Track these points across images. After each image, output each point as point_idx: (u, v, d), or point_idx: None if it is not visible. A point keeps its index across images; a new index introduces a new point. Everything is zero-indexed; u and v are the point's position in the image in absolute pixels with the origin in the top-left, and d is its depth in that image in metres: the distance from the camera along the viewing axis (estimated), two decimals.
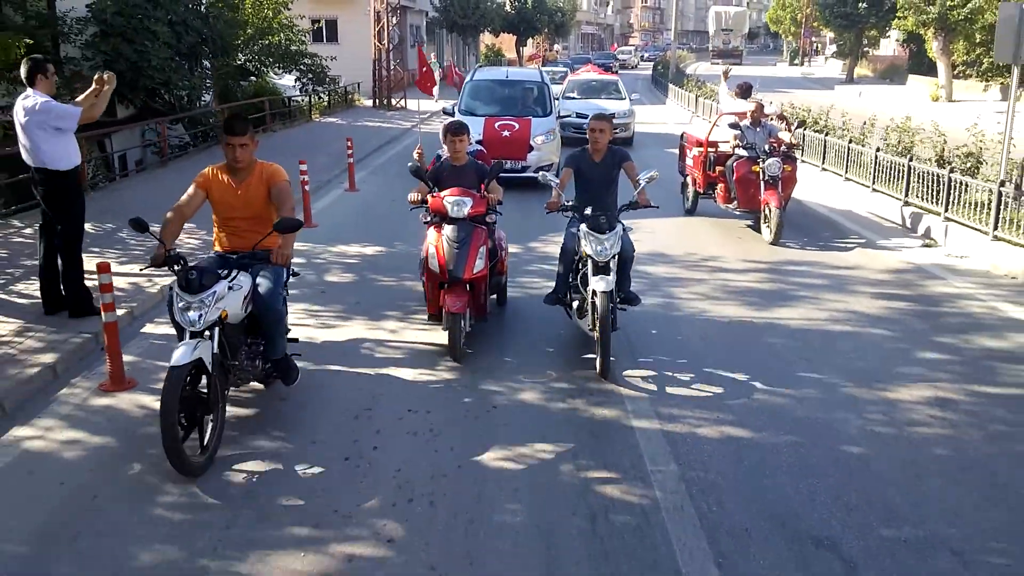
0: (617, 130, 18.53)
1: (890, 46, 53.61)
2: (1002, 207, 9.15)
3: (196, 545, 3.91)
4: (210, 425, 4.64)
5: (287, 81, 26.06)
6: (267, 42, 22.75)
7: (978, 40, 32.23)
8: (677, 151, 12.64)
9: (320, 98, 26.73)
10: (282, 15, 23.33)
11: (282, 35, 23.35)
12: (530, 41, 62.31)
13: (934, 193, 10.54)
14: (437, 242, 6.04)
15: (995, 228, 9.19)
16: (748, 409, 5.45)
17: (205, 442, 4.60)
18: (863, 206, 12.23)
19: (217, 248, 5.35)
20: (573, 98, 20.83)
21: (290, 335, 5.54)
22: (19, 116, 6.49)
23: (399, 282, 8.12)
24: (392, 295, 7.75)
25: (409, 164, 6.59)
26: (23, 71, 6.51)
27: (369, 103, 30.30)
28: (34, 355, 6.03)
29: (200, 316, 4.52)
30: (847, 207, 12.38)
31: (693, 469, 4.63)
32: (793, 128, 11.20)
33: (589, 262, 5.99)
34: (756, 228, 10.45)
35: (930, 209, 10.63)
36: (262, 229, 5.03)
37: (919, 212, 10.86)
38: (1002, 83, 33.56)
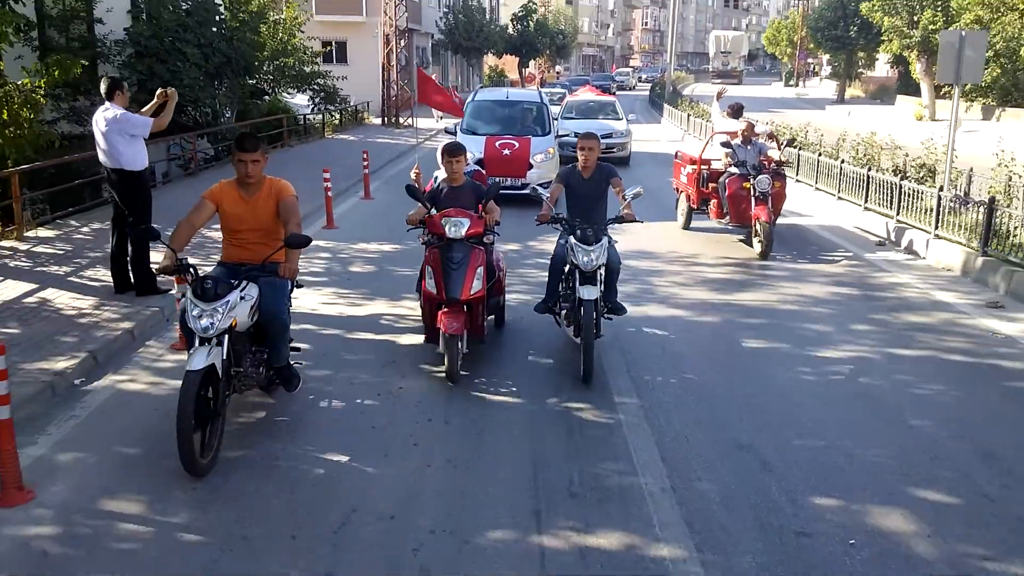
0: (614, 149, 19.61)
1: (882, 68, 55.12)
2: (942, 210, 10.41)
3: (271, 447, 5.15)
4: (213, 428, 4.92)
5: (300, 100, 27.48)
6: (281, 63, 24.16)
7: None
8: (673, 168, 13.18)
9: (332, 116, 28.15)
10: (296, 38, 24.77)
11: (296, 56, 24.79)
12: (532, 62, 63.98)
13: (889, 200, 11.80)
14: (434, 263, 6.12)
15: (936, 228, 10.44)
16: (699, 361, 6.73)
17: (208, 444, 4.86)
18: (830, 212, 13.48)
19: (225, 259, 5.53)
20: (572, 118, 21.25)
21: (292, 344, 5.72)
22: (99, 125, 7.80)
23: (414, 271, 9.33)
24: (408, 281, 8.88)
25: (406, 185, 6.62)
26: (103, 87, 7.83)
27: (378, 121, 31.71)
28: (114, 323, 7.29)
29: (213, 324, 4.76)
30: (815, 213, 13.63)
31: (651, 400, 5.88)
32: (783, 146, 12.02)
33: (577, 272, 6.33)
34: (748, 242, 10.98)
35: (885, 213, 11.90)
36: (270, 242, 5.29)
37: (878, 216, 12.10)
38: (983, 103, 35.03)
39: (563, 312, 6.77)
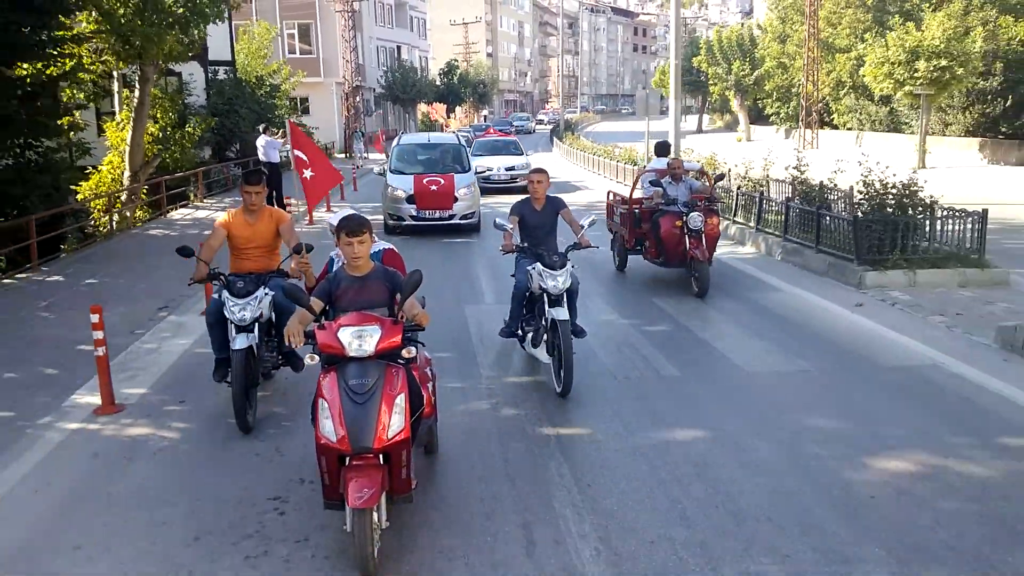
0: (517, 180, 22.59)
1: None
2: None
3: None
4: (253, 395, 6.22)
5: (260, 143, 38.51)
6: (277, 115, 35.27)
7: (763, 97, 46.75)
8: (605, 209, 13.13)
9: None
10: (282, 98, 35.92)
11: (285, 109, 35.88)
12: (458, 108, 75.92)
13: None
14: (332, 394, 4.14)
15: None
16: (601, 340, 8.05)
17: (251, 406, 6.16)
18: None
19: (235, 271, 6.55)
20: (480, 155, 23.88)
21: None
22: (260, 143, 19.03)
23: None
24: None
25: (281, 285, 5.68)
26: (261, 128, 19.12)
27: (341, 156, 42.96)
28: None
29: (247, 314, 6.05)
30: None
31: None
32: (713, 181, 11.68)
33: (545, 296, 6.82)
34: (687, 282, 10.43)
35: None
36: (270, 255, 6.69)
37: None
38: (787, 128, 47.98)
39: (528, 336, 7.31)
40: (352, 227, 4.53)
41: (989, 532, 4.58)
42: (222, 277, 6.24)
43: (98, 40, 17.40)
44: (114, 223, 18.74)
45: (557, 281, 6.73)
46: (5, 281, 11.91)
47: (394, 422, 4.13)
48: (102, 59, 18.06)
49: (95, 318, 6.69)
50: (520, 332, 7.40)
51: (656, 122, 23.96)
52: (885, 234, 10.44)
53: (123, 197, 19.51)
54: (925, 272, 10.28)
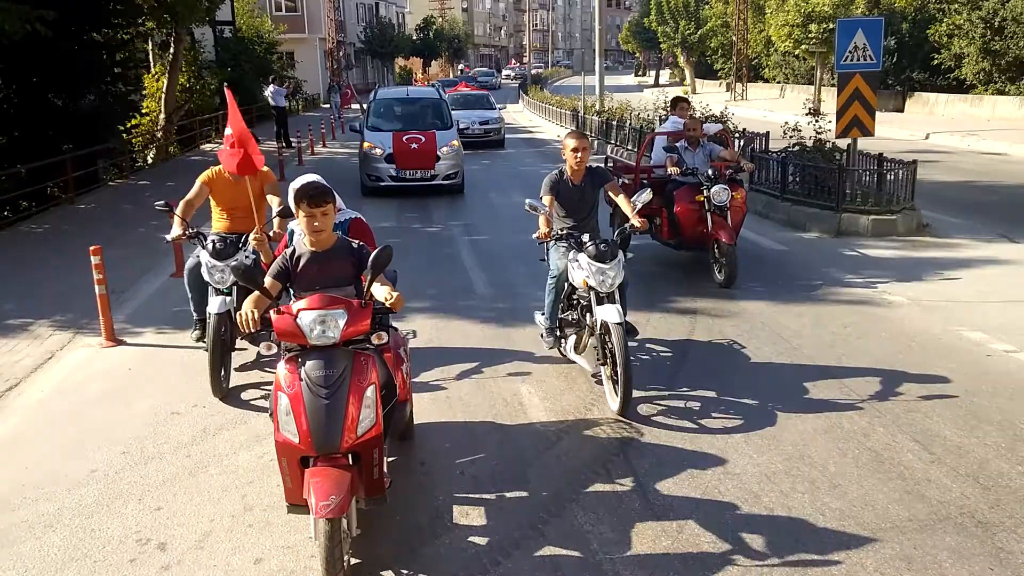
0: (491, 134, 24.00)
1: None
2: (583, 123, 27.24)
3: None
4: (229, 359, 6.20)
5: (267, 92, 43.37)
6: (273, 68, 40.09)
7: (707, 54, 52.04)
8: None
9: (297, 103, 44.24)
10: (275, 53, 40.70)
11: (278, 63, 40.66)
12: (434, 62, 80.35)
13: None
14: (292, 388, 3.77)
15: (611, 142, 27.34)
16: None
17: (226, 372, 6.15)
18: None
19: (217, 230, 6.49)
20: (453, 109, 21.48)
21: None
22: (270, 90, 24.36)
23: None
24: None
25: (233, 265, 5.57)
26: (270, 79, 24.39)
27: (327, 106, 47.81)
28: None
29: (225, 277, 6.01)
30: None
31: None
32: (740, 149, 9.54)
33: (592, 293, 5.69)
34: (708, 267, 9.11)
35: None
36: (253, 216, 6.06)
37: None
38: (727, 82, 53.21)
39: (571, 339, 6.13)
40: (314, 196, 4.00)
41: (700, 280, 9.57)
42: (200, 236, 6.16)
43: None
44: (151, 155, 23.90)
45: (607, 276, 5.63)
46: (111, 184, 17.29)
47: (364, 417, 3.76)
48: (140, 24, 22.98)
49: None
50: (559, 333, 6.27)
51: (592, 77, 28.93)
52: None
53: (159, 135, 24.68)
54: None
